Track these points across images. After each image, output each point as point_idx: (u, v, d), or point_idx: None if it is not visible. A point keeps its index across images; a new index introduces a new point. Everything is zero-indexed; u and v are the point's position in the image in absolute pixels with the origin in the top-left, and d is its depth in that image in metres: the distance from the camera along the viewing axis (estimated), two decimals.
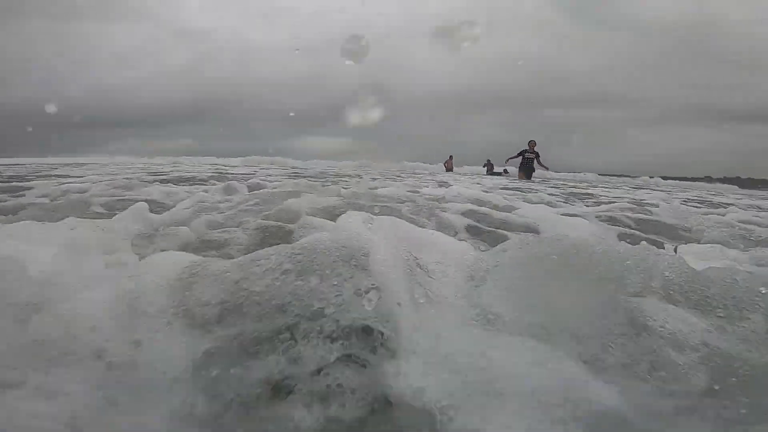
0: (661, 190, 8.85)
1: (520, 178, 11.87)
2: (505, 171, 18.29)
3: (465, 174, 17.29)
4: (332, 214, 1.84)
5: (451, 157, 20.90)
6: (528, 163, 12.20)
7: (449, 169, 20.36)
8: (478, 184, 5.93)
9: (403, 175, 9.13)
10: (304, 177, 6.08)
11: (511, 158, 12.74)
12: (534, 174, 12.38)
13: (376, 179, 6.42)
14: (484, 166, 20.11)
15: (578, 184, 9.86)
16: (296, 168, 12.04)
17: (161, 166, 9.14)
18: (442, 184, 5.51)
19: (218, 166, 9.94)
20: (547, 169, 12.69)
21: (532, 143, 12.31)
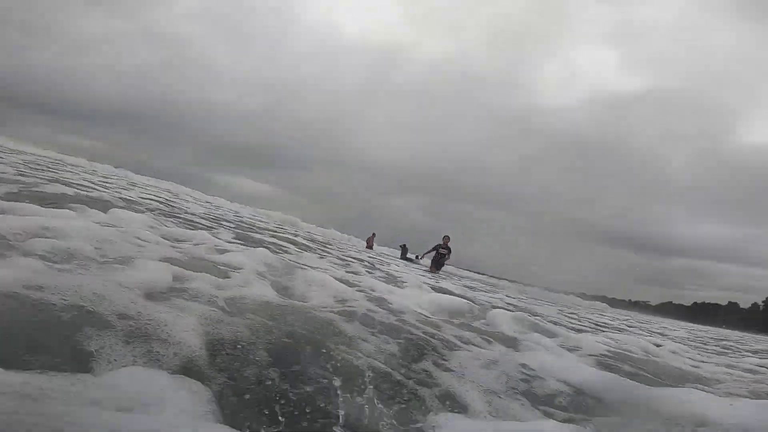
0: (560, 306, 9.73)
1: (431, 270, 12.74)
2: (417, 257, 18.91)
3: (382, 253, 17.52)
4: None
5: (373, 234, 21.42)
6: (440, 258, 13.20)
7: (369, 246, 20.75)
8: (406, 273, 5.91)
9: (328, 247, 8.89)
10: (227, 228, 5.39)
11: (426, 252, 13.82)
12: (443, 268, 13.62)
13: (302, 250, 6.08)
14: (399, 248, 20.74)
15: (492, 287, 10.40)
16: (221, 209, 11.03)
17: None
18: (384, 278, 5.09)
19: (125, 181, 8.62)
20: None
21: (446, 239, 13.29)
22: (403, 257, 19.44)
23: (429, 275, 9.44)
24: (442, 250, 13.04)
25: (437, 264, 13.11)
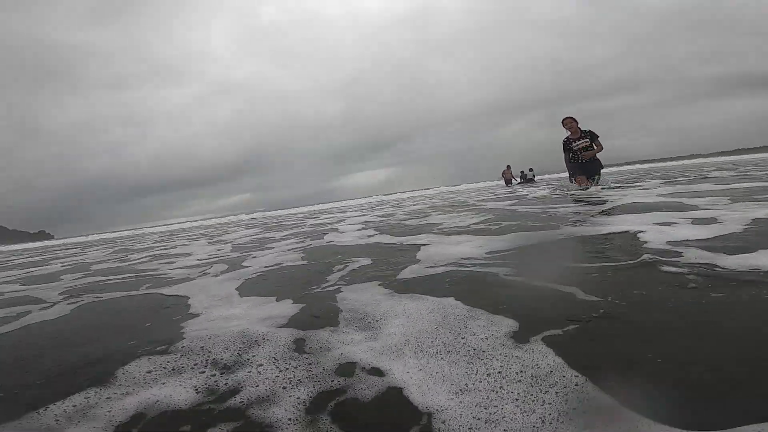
0: None
1: (580, 184, 7.26)
2: (526, 173, 18.16)
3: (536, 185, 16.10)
4: None
5: (508, 167, 19.90)
6: (579, 156, 7.31)
7: (508, 181, 19.36)
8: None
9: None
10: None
11: (568, 164, 7.61)
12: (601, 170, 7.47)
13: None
14: (521, 177, 19.23)
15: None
16: (382, 205, 11.24)
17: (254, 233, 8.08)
18: None
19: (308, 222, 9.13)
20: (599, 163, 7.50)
21: (569, 122, 7.27)
22: (523, 181, 18.34)
23: (583, 195, 5.75)
24: (576, 143, 7.30)
25: (584, 168, 7.31)
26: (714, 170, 10.20)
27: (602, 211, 3.69)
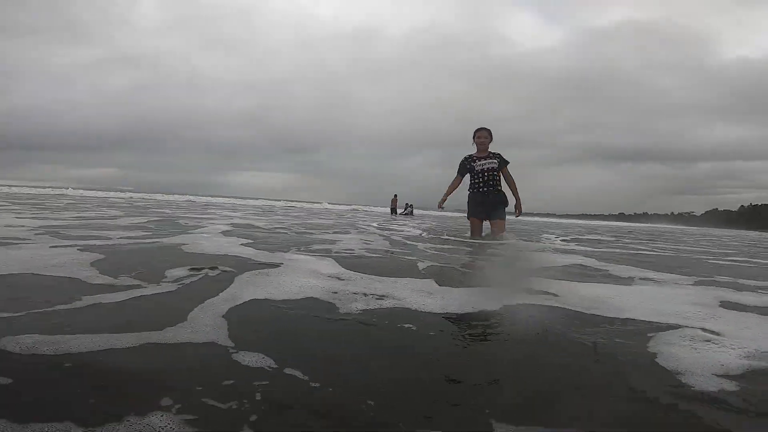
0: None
1: (473, 232, 5.42)
2: (406, 208, 19.44)
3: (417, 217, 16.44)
4: None
5: (395, 196, 20.33)
6: (486, 181, 5.40)
7: (394, 210, 19.76)
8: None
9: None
10: None
11: (452, 188, 5.66)
12: (505, 207, 5.36)
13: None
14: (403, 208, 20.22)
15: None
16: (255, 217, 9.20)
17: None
18: None
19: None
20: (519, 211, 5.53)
21: (482, 136, 5.41)
22: (401, 213, 19.20)
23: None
24: (480, 162, 5.41)
25: (483, 203, 5.36)
26: (587, 232, 11.26)
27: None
